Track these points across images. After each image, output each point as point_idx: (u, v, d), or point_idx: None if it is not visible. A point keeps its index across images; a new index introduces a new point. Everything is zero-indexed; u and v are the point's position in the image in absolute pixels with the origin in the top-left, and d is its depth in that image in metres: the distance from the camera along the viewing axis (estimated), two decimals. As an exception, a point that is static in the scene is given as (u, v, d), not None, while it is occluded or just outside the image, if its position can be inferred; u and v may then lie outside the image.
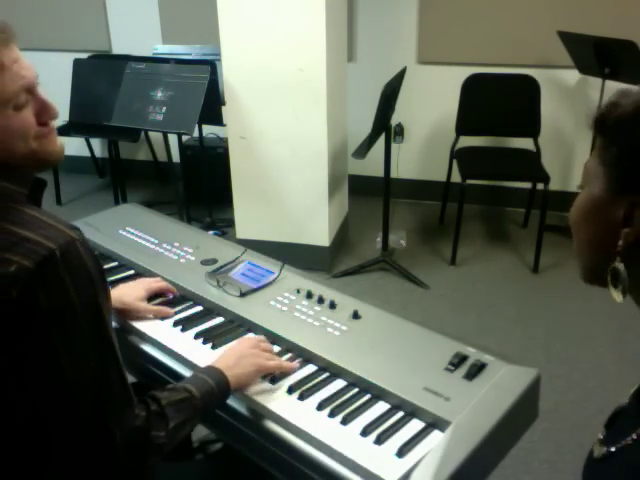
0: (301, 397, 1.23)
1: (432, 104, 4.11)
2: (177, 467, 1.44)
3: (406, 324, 1.42)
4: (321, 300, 1.50)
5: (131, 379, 1.58)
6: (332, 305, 1.48)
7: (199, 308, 1.54)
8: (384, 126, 3.14)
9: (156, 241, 1.81)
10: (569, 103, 3.85)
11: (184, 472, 1.42)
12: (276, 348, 1.39)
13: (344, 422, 1.16)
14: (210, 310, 1.53)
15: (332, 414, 1.18)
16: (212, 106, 3.37)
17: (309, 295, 1.52)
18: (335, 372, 1.30)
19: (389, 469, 1.06)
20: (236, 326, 1.47)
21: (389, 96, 3.03)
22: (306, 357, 1.35)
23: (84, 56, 4.01)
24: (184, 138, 3.85)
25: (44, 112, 1.07)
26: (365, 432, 1.13)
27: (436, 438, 1.12)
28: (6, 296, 0.92)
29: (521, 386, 1.20)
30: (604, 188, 0.73)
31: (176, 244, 1.79)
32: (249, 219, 3.48)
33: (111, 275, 1.69)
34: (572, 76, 3.75)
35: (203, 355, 1.36)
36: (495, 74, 3.74)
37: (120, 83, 3.32)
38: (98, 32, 4.50)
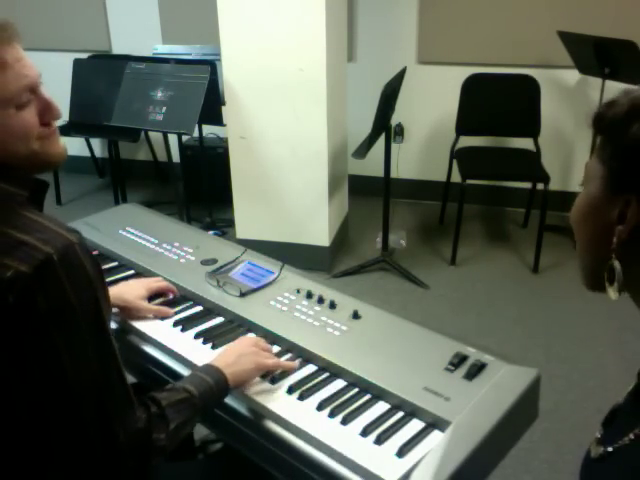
0: (301, 397, 1.23)
1: (432, 104, 4.11)
2: (178, 467, 1.44)
3: (406, 324, 1.42)
4: (321, 300, 1.50)
5: (131, 379, 1.58)
6: (332, 305, 1.48)
7: (199, 308, 1.54)
8: (384, 126, 3.14)
9: (156, 241, 1.81)
10: (569, 103, 3.85)
11: (185, 472, 1.42)
12: (276, 348, 1.39)
13: (344, 422, 1.16)
14: (210, 310, 1.53)
15: (332, 414, 1.18)
16: (212, 106, 3.37)
17: (309, 295, 1.52)
18: (335, 372, 1.30)
19: (389, 469, 1.06)
20: (236, 326, 1.47)
21: (389, 96, 3.03)
22: (306, 357, 1.34)
23: (84, 56, 4.01)
24: (184, 138, 3.85)
25: (47, 112, 1.06)
26: (365, 432, 1.13)
27: (436, 438, 1.12)
28: (3, 301, 0.91)
29: (521, 386, 1.20)
30: (601, 187, 0.74)
31: (176, 244, 1.79)
32: (249, 219, 3.48)
33: (111, 275, 1.69)
34: (572, 76, 3.75)
35: (203, 355, 1.36)
36: (495, 74, 3.74)
37: (120, 83, 3.32)
38: (98, 32, 4.50)
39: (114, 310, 1.43)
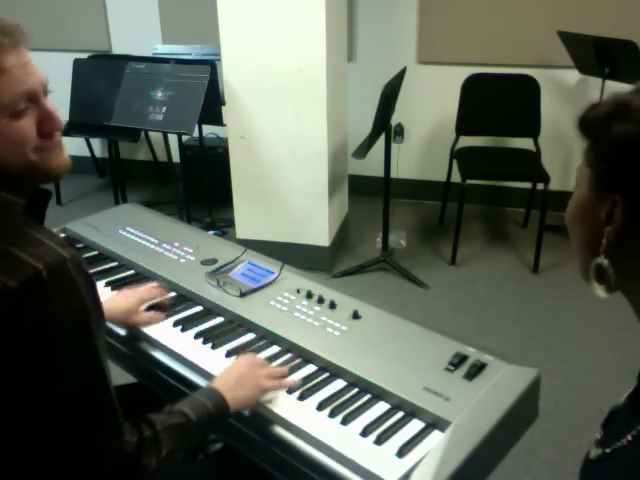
0: (301, 397, 1.23)
1: (432, 104, 4.11)
2: (177, 467, 1.44)
3: (406, 324, 1.42)
4: (321, 300, 1.50)
5: (131, 379, 1.59)
6: (332, 305, 1.48)
7: (199, 308, 1.54)
8: (384, 126, 3.14)
9: (156, 241, 1.81)
10: (569, 103, 3.85)
11: (184, 472, 1.42)
12: (276, 348, 1.39)
13: (344, 422, 1.16)
14: (210, 310, 1.53)
15: (332, 414, 1.18)
16: (212, 106, 3.37)
17: (309, 295, 1.52)
18: (335, 372, 1.30)
19: (389, 469, 1.06)
20: (236, 326, 1.47)
21: (389, 96, 3.03)
22: (306, 357, 1.35)
23: (84, 56, 4.01)
24: (184, 138, 3.85)
25: (46, 122, 1.00)
26: (365, 432, 1.13)
27: (436, 438, 1.12)
28: None
29: (521, 386, 1.21)
30: (590, 189, 0.75)
31: (176, 244, 1.79)
32: (249, 219, 3.48)
33: (111, 275, 1.69)
34: (572, 76, 3.75)
35: (203, 355, 1.36)
36: (495, 74, 3.74)
37: (120, 83, 3.32)
38: (98, 32, 4.50)
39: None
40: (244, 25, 3.08)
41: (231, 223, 3.62)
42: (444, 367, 1.26)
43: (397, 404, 1.20)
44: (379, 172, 3.32)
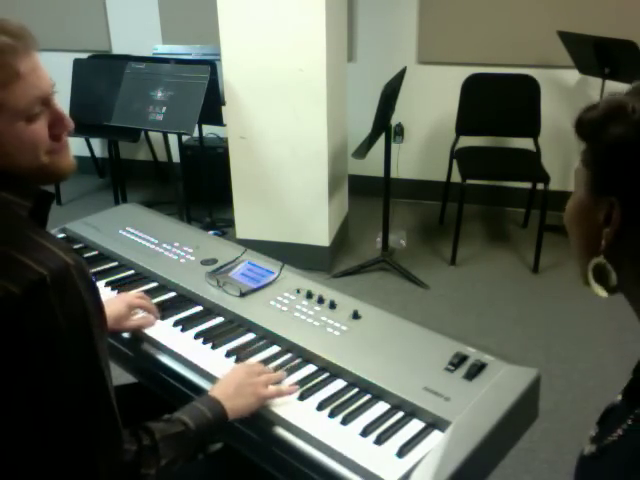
0: (301, 397, 1.23)
1: (432, 104, 4.11)
2: (177, 467, 1.44)
3: (406, 324, 1.42)
4: (321, 300, 1.50)
5: (131, 380, 1.59)
6: (332, 305, 1.48)
7: (199, 308, 1.54)
8: (384, 126, 3.14)
9: (156, 241, 1.81)
10: (569, 103, 3.85)
11: (184, 472, 1.42)
12: (276, 348, 1.39)
13: (344, 422, 1.16)
14: (210, 310, 1.53)
15: (332, 414, 1.18)
16: (212, 106, 3.37)
17: (309, 295, 1.52)
18: (335, 372, 1.30)
19: (389, 469, 1.06)
20: (236, 326, 1.47)
21: (389, 96, 3.03)
22: (306, 357, 1.34)
23: (84, 56, 4.01)
24: (184, 138, 3.85)
25: (58, 124, 1.02)
26: (365, 432, 1.13)
27: (436, 438, 1.12)
28: None
29: (521, 386, 1.21)
30: (587, 191, 0.75)
31: (176, 244, 1.79)
32: (249, 219, 3.48)
33: (111, 275, 1.69)
34: (572, 76, 3.75)
35: (203, 355, 1.36)
36: (495, 74, 3.74)
37: (120, 83, 3.32)
38: (98, 32, 4.50)
39: None
40: (244, 25, 3.08)
41: (231, 223, 3.62)
42: (444, 367, 1.26)
43: (397, 404, 1.20)
44: (379, 172, 3.32)
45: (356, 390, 1.25)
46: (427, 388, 1.20)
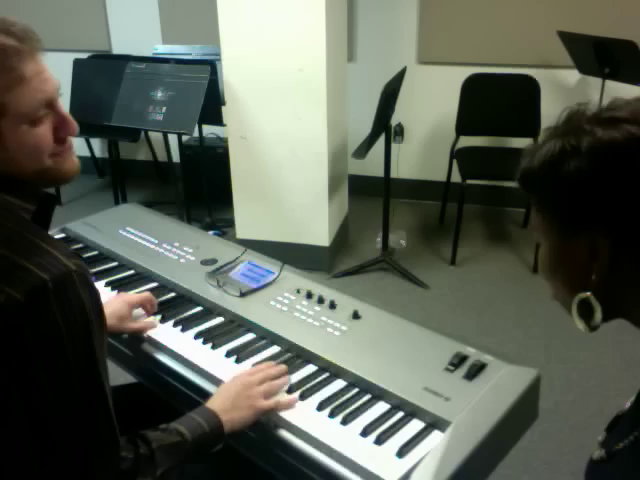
0: (301, 397, 1.23)
1: (432, 104, 4.11)
2: (177, 467, 1.44)
3: (406, 324, 1.42)
4: (321, 300, 1.50)
5: (131, 380, 1.59)
6: (332, 305, 1.48)
7: (199, 308, 1.54)
8: (384, 126, 3.14)
9: (156, 241, 1.81)
10: (569, 103, 3.82)
11: (184, 472, 1.42)
12: (276, 348, 1.39)
13: (344, 422, 1.16)
14: (210, 310, 1.53)
15: (332, 414, 1.18)
16: (212, 106, 3.37)
17: (309, 295, 1.52)
18: (335, 372, 1.30)
19: (389, 469, 1.06)
20: (236, 326, 1.47)
21: (389, 96, 3.03)
22: (306, 357, 1.34)
23: (84, 56, 4.01)
24: (184, 138, 3.85)
25: (63, 127, 1.01)
26: (365, 432, 1.13)
27: (436, 438, 1.12)
28: None
29: (521, 386, 1.20)
30: (558, 236, 0.75)
31: (176, 244, 1.79)
32: (249, 219, 3.48)
33: (111, 275, 1.69)
34: (572, 76, 3.75)
35: (203, 355, 1.36)
36: (495, 74, 3.74)
37: (120, 83, 3.32)
38: (98, 32, 4.50)
39: None
40: (244, 25, 3.08)
41: (231, 223, 3.62)
42: (444, 367, 1.26)
43: (397, 404, 1.20)
44: (379, 172, 3.32)
45: (356, 390, 1.25)
46: (427, 388, 1.20)
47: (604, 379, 2.59)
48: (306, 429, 1.15)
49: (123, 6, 4.43)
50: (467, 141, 3.80)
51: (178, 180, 3.78)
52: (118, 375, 1.52)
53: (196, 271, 1.64)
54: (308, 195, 3.33)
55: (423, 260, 3.59)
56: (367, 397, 1.23)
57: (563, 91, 3.88)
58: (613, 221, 0.69)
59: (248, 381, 1.23)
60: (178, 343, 1.40)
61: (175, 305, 1.55)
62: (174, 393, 1.36)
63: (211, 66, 3.25)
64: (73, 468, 0.96)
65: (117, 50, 4.51)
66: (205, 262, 1.69)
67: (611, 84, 3.33)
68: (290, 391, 1.25)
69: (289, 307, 1.49)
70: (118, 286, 1.64)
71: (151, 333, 1.44)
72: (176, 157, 3.85)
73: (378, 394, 1.23)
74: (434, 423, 1.15)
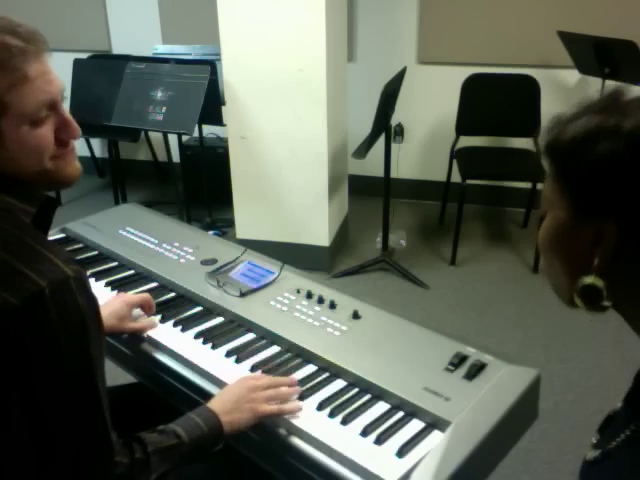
0: (301, 397, 1.23)
1: (432, 104, 4.11)
2: (176, 467, 1.44)
3: (406, 324, 1.42)
4: (321, 300, 1.50)
5: (131, 380, 1.59)
6: (332, 305, 1.48)
7: (199, 308, 1.54)
8: (384, 126, 3.14)
9: (156, 241, 1.81)
10: (569, 103, 3.82)
11: (183, 471, 1.42)
12: (276, 348, 1.39)
13: (344, 422, 1.16)
14: (210, 310, 1.53)
15: (332, 414, 1.18)
16: (212, 106, 3.37)
17: (309, 295, 1.52)
18: (335, 372, 1.30)
19: (389, 469, 1.06)
20: (236, 326, 1.47)
21: (389, 96, 3.03)
22: (306, 357, 1.34)
23: (84, 56, 4.01)
24: (184, 138, 3.85)
25: (64, 130, 1.01)
26: (365, 432, 1.13)
27: (436, 438, 1.12)
28: None
29: (521, 386, 1.21)
30: (568, 213, 0.72)
31: (176, 244, 1.79)
32: (249, 219, 3.48)
33: (111, 275, 1.69)
34: (572, 76, 3.75)
35: (203, 355, 1.36)
36: (495, 74, 3.74)
37: (120, 83, 3.32)
38: (98, 32, 4.50)
39: None
40: (244, 25, 3.08)
41: (231, 223, 3.62)
42: (444, 367, 1.26)
43: (397, 404, 1.20)
44: (379, 172, 3.32)
45: (356, 390, 1.25)
46: (427, 388, 1.20)
47: (604, 379, 2.59)
48: (306, 429, 1.15)
49: (123, 6, 4.43)
50: (467, 141, 3.80)
51: (178, 180, 3.78)
52: (118, 375, 1.52)
53: (196, 271, 1.64)
54: (308, 195, 3.33)
55: (423, 260, 3.59)
56: (367, 397, 1.23)
57: (563, 91, 3.88)
58: (630, 209, 0.67)
59: (253, 384, 1.22)
60: (178, 343, 1.40)
61: (175, 305, 1.55)
62: (174, 393, 1.36)
63: (211, 66, 3.25)
64: (66, 472, 0.96)
65: (117, 50, 4.51)
66: (205, 262, 1.69)
67: (611, 84, 3.33)
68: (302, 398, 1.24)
69: (289, 307, 1.49)
70: (118, 286, 1.64)
71: (151, 333, 1.44)
72: (176, 157, 3.85)
73: (378, 394, 1.23)
74: (434, 423, 1.15)
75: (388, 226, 3.42)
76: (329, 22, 3.03)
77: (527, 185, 3.87)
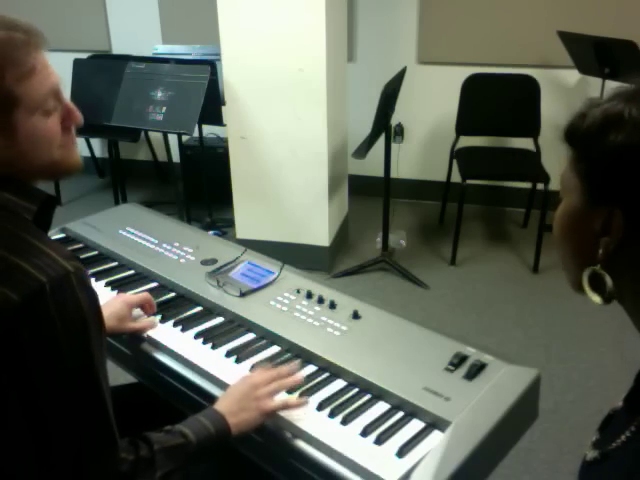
0: (301, 397, 1.23)
1: (432, 104, 4.11)
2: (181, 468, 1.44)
3: (406, 324, 1.42)
4: (321, 300, 1.50)
5: (131, 380, 1.59)
6: (332, 305, 1.48)
7: (199, 308, 1.54)
8: (384, 126, 3.14)
9: (156, 241, 1.81)
10: (569, 103, 3.85)
11: (184, 472, 1.42)
12: (276, 348, 1.39)
13: (344, 422, 1.16)
14: (210, 310, 1.53)
15: (332, 414, 1.18)
16: (212, 106, 3.37)
17: (309, 295, 1.52)
18: (335, 372, 1.30)
19: (389, 469, 1.06)
20: (236, 326, 1.47)
21: (389, 96, 3.03)
22: (306, 357, 1.34)
23: (84, 56, 4.01)
24: (184, 138, 3.85)
25: (69, 118, 1.04)
26: (365, 432, 1.13)
27: (436, 438, 1.12)
28: None
29: (521, 386, 1.21)
30: (581, 199, 0.73)
31: (176, 244, 1.79)
32: (249, 219, 3.48)
33: (111, 275, 1.69)
34: (572, 76, 3.75)
35: (203, 355, 1.36)
36: (495, 74, 3.74)
37: (120, 83, 3.32)
38: (98, 32, 4.50)
39: None
40: (244, 25, 3.08)
41: (231, 223, 3.62)
42: (444, 367, 1.26)
43: (397, 404, 1.20)
44: (379, 172, 3.32)
45: (356, 390, 1.25)
46: (427, 388, 1.20)
47: (604, 379, 2.59)
48: (306, 429, 1.15)
49: (123, 6, 4.43)
50: (467, 141, 3.79)
51: (178, 180, 3.78)
52: (118, 375, 1.53)
53: (196, 271, 1.64)
54: (308, 195, 3.33)
55: (423, 260, 3.59)
56: (367, 397, 1.23)
57: (563, 91, 3.88)
58: (635, 203, 0.68)
59: (255, 381, 1.21)
60: (178, 343, 1.40)
61: (175, 305, 1.55)
62: (174, 393, 1.36)
63: (211, 66, 3.25)
64: (70, 469, 0.96)
65: (117, 50, 4.51)
66: (205, 262, 1.69)
67: (611, 84, 3.33)
68: (290, 391, 1.24)
69: (289, 307, 1.49)
70: (118, 286, 1.64)
71: (151, 333, 1.44)
72: (176, 157, 3.85)
73: (378, 394, 1.23)
74: (434, 423, 1.15)
75: (388, 226, 3.42)
76: (329, 22, 3.03)
77: (527, 185, 3.87)
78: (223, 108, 3.43)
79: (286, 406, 1.19)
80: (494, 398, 1.18)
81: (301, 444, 1.14)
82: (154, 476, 1.03)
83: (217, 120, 3.57)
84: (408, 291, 3.30)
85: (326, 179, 3.28)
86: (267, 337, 1.41)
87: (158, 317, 1.50)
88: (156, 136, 4.43)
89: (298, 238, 3.42)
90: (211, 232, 3.65)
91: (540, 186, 3.47)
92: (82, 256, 1.77)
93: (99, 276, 1.68)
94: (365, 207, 4.03)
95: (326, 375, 1.30)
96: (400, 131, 4.04)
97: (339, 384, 1.27)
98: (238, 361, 1.34)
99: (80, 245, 1.84)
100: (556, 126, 0.75)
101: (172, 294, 1.60)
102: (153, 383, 1.46)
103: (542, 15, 3.72)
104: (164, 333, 1.44)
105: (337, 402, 1.22)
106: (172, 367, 1.36)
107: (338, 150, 3.45)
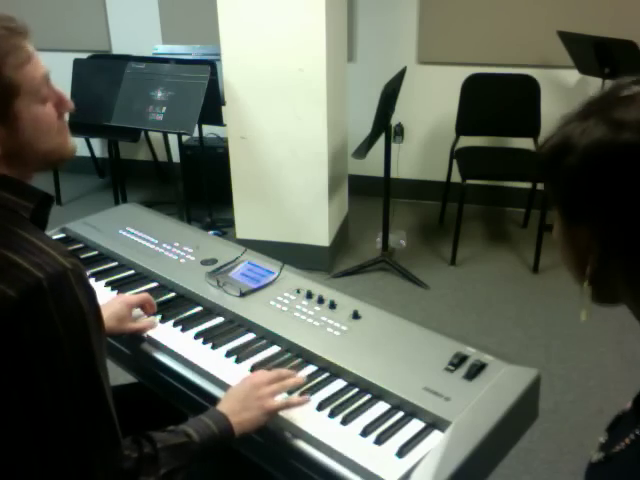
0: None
1: (432, 104, 4.11)
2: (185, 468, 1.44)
3: (406, 324, 1.42)
4: (321, 300, 1.50)
5: (131, 380, 1.59)
6: (332, 305, 1.48)
7: (199, 308, 1.54)
8: (384, 126, 3.14)
9: (156, 241, 1.81)
10: (569, 103, 3.81)
11: (188, 472, 1.42)
12: (276, 348, 1.39)
13: (344, 422, 1.16)
14: (210, 310, 1.53)
15: (332, 414, 1.18)
16: (212, 106, 3.37)
17: (309, 295, 1.52)
18: (335, 372, 1.30)
19: (389, 469, 1.06)
20: (236, 326, 1.47)
21: (389, 96, 3.03)
22: (306, 357, 1.34)
23: (84, 56, 4.01)
24: (184, 138, 3.84)
25: (61, 104, 1.06)
26: (365, 432, 1.13)
27: (436, 438, 1.12)
28: None
29: (521, 386, 1.21)
30: (561, 222, 0.76)
31: (176, 244, 1.79)
32: (249, 219, 3.48)
33: (111, 275, 1.69)
34: (572, 76, 3.75)
35: (203, 355, 1.36)
36: (495, 74, 3.74)
37: (120, 83, 3.32)
38: (98, 32, 4.50)
39: None
40: (244, 25, 3.08)
41: (231, 223, 3.62)
42: (444, 367, 1.26)
43: (397, 404, 1.20)
44: (379, 172, 3.32)
45: (356, 390, 1.25)
46: (427, 388, 1.20)
47: (604, 379, 2.59)
48: (306, 429, 1.15)
49: (123, 6, 4.43)
50: (467, 141, 3.79)
51: (178, 180, 3.78)
52: (118, 375, 1.53)
53: (196, 271, 1.64)
54: (308, 195, 3.33)
55: (423, 260, 3.59)
56: (367, 397, 1.23)
57: (563, 91, 3.88)
58: (601, 221, 0.69)
59: (257, 382, 1.22)
60: (178, 343, 1.40)
61: (175, 305, 1.55)
62: (174, 393, 1.36)
63: (211, 66, 3.25)
64: (74, 467, 0.96)
65: (117, 50, 4.51)
66: (205, 262, 1.69)
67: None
68: (290, 392, 1.24)
69: (289, 307, 1.49)
70: (118, 286, 1.64)
71: (151, 333, 1.44)
72: (176, 157, 3.85)
73: (378, 394, 1.23)
74: (434, 423, 1.15)
75: (388, 226, 3.42)
76: (329, 22, 3.03)
77: (527, 185, 3.87)
78: (223, 108, 3.43)
79: (288, 405, 1.19)
80: (494, 398, 1.18)
81: (301, 444, 1.14)
82: (157, 473, 1.03)
83: (217, 120, 3.57)
84: (408, 291, 3.30)
85: (326, 179, 3.28)
86: (267, 337, 1.41)
87: (158, 317, 1.50)
88: (156, 136, 4.43)
89: (298, 238, 3.42)
90: (211, 232, 3.65)
91: (540, 186, 3.47)
92: (82, 256, 1.77)
93: (99, 276, 1.68)
94: (365, 207, 4.03)
95: (326, 375, 1.30)
96: (400, 131, 4.04)
97: (339, 384, 1.27)
98: (238, 361, 1.34)
99: (80, 245, 1.84)
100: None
101: (172, 294, 1.60)
102: (153, 383, 1.46)
103: (542, 15, 3.72)
104: (164, 333, 1.44)
105: (337, 402, 1.22)
106: (172, 367, 1.36)
107: (338, 150, 3.45)
